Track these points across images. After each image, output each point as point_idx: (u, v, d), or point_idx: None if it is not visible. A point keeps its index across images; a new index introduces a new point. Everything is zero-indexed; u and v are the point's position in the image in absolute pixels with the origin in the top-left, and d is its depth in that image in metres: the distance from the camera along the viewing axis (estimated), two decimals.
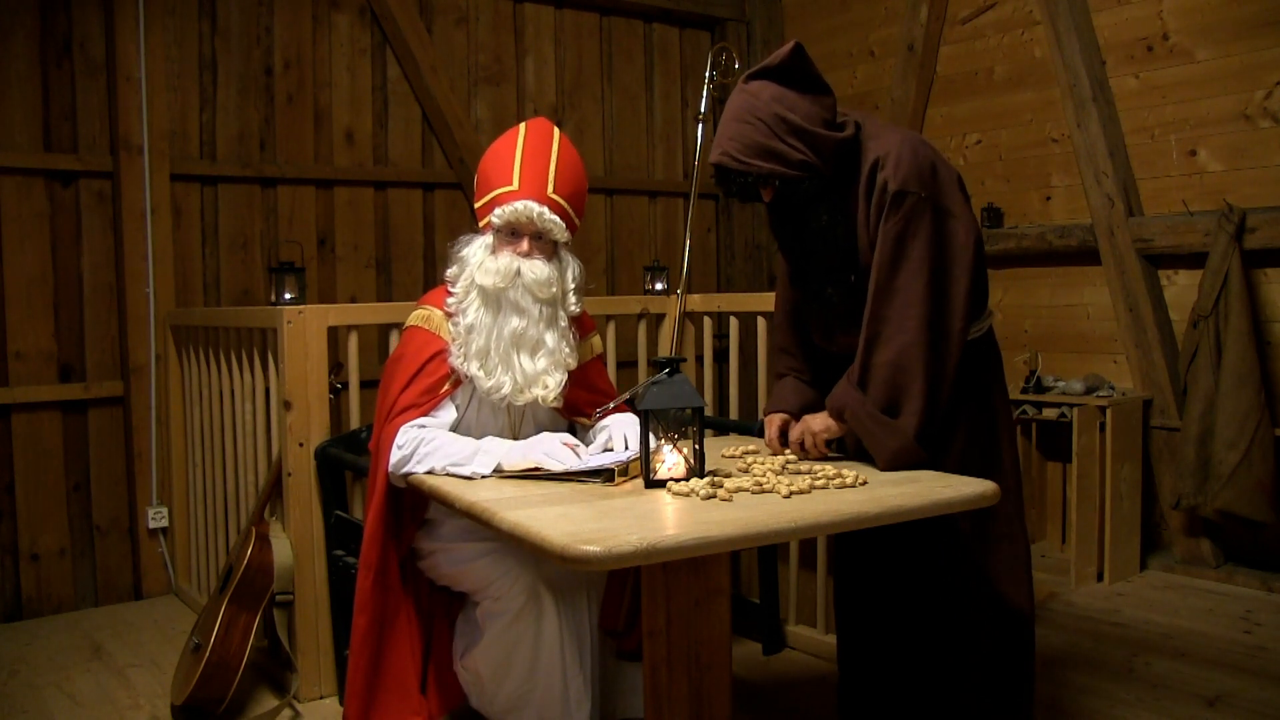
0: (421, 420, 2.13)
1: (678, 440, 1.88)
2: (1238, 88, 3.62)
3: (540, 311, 2.18)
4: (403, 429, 2.10)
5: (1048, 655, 2.93)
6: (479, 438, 2.19)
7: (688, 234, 3.46)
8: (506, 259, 2.17)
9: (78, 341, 3.64)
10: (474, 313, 2.17)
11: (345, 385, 2.91)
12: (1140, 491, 3.82)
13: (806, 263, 2.13)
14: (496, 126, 4.38)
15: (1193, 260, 3.75)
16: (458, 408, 2.21)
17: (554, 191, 2.19)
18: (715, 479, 1.82)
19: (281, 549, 2.73)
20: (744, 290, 5.12)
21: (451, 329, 2.20)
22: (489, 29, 4.53)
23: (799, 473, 1.93)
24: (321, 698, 2.77)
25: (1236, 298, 3.46)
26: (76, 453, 3.63)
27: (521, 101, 4.63)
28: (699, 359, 3.60)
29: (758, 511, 1.64)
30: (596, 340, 2.42)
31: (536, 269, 2.17)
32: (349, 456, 2.67)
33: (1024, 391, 3.91)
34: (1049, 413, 3.83)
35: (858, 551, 2.27)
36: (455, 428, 2.20)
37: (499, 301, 2.17)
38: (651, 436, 1.87)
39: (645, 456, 1.87)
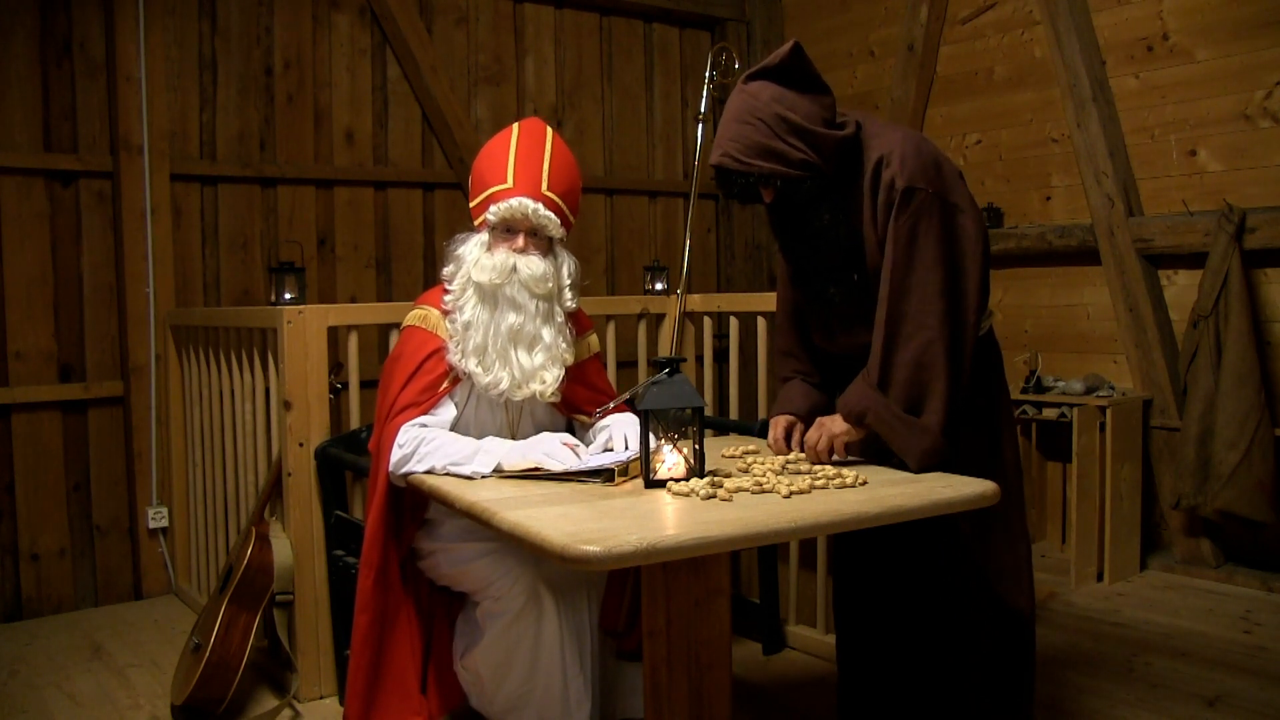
0: (422, 419, 2.13)
1: (678, 440, 1.87)
2: (1238, 88, 3.62)
3: (537, 307, 2.19)
4: (404, 428, 2.10)
5: (1048, 655, 2.93)
6: (478, 435, 2.20)
7: (688, 234, 3.46)
8: (502, 255, 2.18)
9: (78, 341, 3.64)
10: (471, 309, 2.18)
11: (345, 385, 2.91)
12: (1140, 491, 3.82)
13: (808, 263, 2.13)
14: (496, 126, 4.37)
15: (1193, 260, 3.75)
16: (457, 405, 2.21)
17: (548, 188, 2.20)
18: (715, 479, 1.82)
19: (281, 549, 2.73)
20: (744, 290, 5.12)
21: (449, 327, 2.20)
22: (489, 29, 4.53)
23: (799, 473, 1.93)
24: (321, 698, 2.77)
25: (1236, 298, 3.46)
26: (76, 453, 3.64)
27: (521, 101, 4.63)
28: (699, 359, 3.60)
29: (758, 511, 1.64)
30: (594, 339, 2.42)
31: (532, 265, 2.18)
32: (349, 456, 2.67)
33: (1024, 391, 3.91)
34: (1049, 413, 3.83)
35: (857, 551, 2.27)
36: (454, 425, 2.20)
37: (495, 298, 2.18)
38: (651, 436, 1.87)
39: (645, 456, 1.87)
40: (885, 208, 1.99)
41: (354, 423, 2.93)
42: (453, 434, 2.13)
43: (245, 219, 3.96)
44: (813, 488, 1.80)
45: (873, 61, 4.85)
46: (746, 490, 1.79)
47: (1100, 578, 3.72)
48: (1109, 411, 3.66)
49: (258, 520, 2.80)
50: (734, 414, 3.47)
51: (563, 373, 2.23)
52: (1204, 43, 3.70)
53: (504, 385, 2.16)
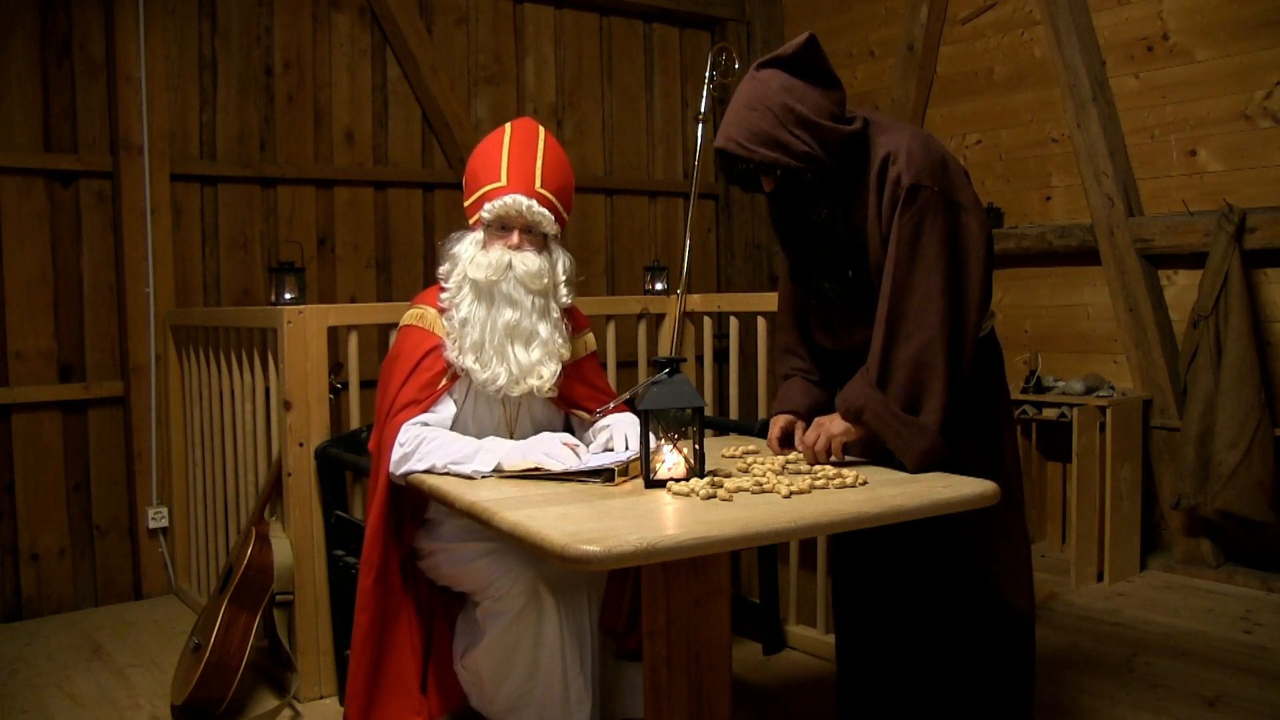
0: (423, 417, 2.14)
1: (678, 440, 1.88)
2: (1238, 88, 3.62)
3: (533, 303, 2.20)
4: (405, 426, 2.11)
5: (1048, 655, 2.93)
6: (476, 431, 2.21)
7: (688, 234, 3.46)
8: (498, 252, 2.19)
9: (78, 341, 3.64)
10: (467, 307, 2.19)
11: (345, 385, 2.91)
12: (1140, 491, 3.82)
13: (806, 257, 2.13)
14: (496, 126, 4.35)
15: (1193, 260, 3.75)
16: (456, 402, 2.22)
17: (541, 186, 2.21)
18: (715, 479, 1.82)
19: (281, 549, 2.73)
20: (744, 290, 5.11)
21: (445, 324, 2.21)
22: (489, 29, 4.53)
23: (799, 473, 1.93)
24: (321, 698, 2.77)
25: (1236, 298, 3.46)
26: (76, 453, 3.64)
27: (521, 101, 4.63)
28: (699, 359, 3.60)
29: (758, 511, 1.64)
30: (590, 338, 2.43)
31: (528, 261, 2.19)
32: (349, 456, 2.67)
33: (1024, 391, 3.91)
34: (1049, 413, 3.83)
35: (857, 551, 2.27)
36: (453, 422, 2.21)
37: (492, 294, 2.19)
38: (651, 436, 1.87)
39: (645, 456, 1.87)
40: (890, 204, 1.98)
41: (354, 423, 2.93)
42: (454, 433, 2.14)
43: (245, 219, 3.96)
44: (813, 488, 1.80)
45: (873, 61, 4.85)
46: (746, 490, 1.79)
47: (1100, 578, 3.72)
48: (1109, 411, 3.66)
49: (258, 520, 2.80)
50: (734, 414, 3.47)
51: (559, 368, 2.23)
52: (1204, 43, 3.70)
53: (501, 381, 2.17)
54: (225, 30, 3.90)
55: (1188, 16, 3.73)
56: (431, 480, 2.00)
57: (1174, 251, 3.78)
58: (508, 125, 2.29)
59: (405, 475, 2.08)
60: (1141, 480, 3.82)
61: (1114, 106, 3.93)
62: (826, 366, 2.26)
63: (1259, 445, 3.42)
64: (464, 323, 2.18)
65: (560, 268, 2.27)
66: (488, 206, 2.20)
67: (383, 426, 2.16)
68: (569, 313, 2.33)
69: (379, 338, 3.11)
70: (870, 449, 2.05)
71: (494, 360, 2.17)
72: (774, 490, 1.78)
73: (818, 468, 1.95)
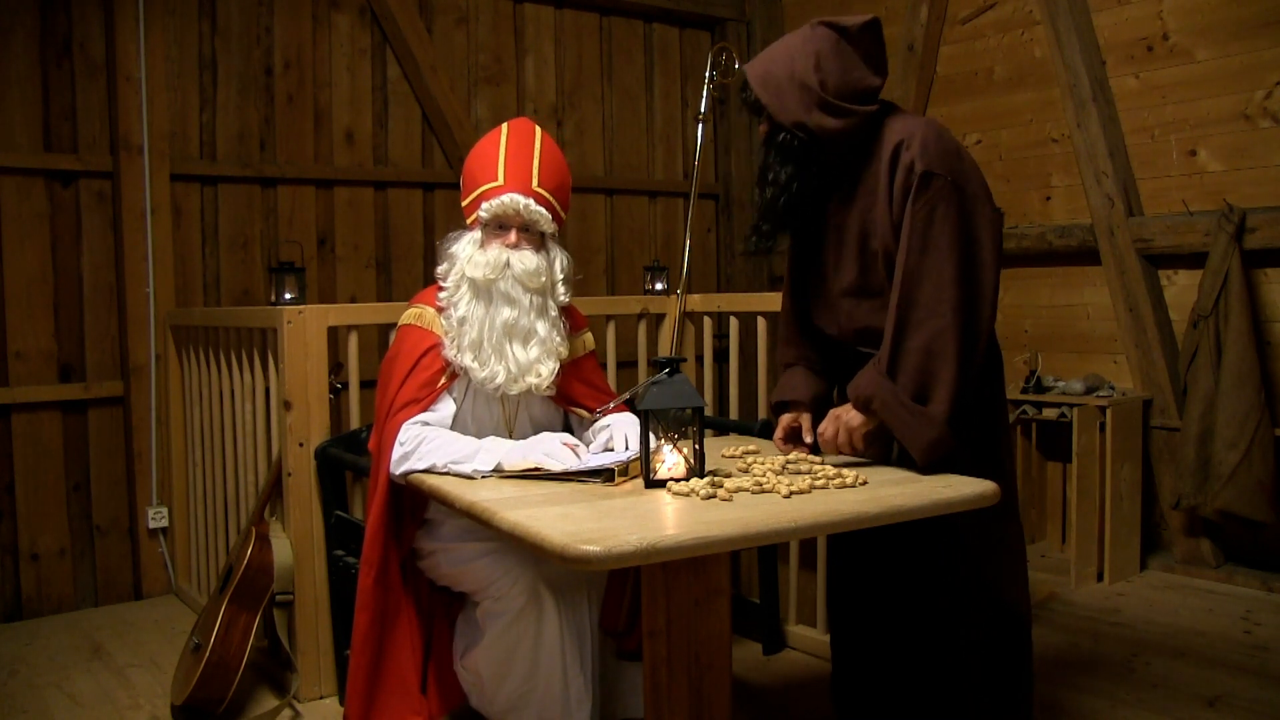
0: (423, 416, 2.14)
1: (678, 440, 1.88)
2: (1238, 88, 3.62)
3: (531, 301, 2.21)
4: (405, 426, 2.11)
5: (1048, 655, 2.94)
6: (476, 430, 2.22)
7: (688, 234, 3.46)
8: (495, 251, 2.19)
9: (78, 341, 3.64)
10: (465, 305, 2.19)
11: (345, 385, 2.91)
12: (1140, 491, 3.82)
13: (802, 228, 2.16)
14: (496, 126, 4.38)
15: (1193, 260, 3.75)
16: (455, 400, 2.22)
17: (538, 184, 2.22)
18: (715, 479, 1.82)
19: (281, 549, 2.73)
20: (744, 290, 5.11)
21: (444, 323, 2.22)
22: (489, 29, 4.53)
23: (799, 473, 1.93)
24: (321, 698, 2.77)
25: (1236, 298, 3.46)
26: (76, 453, 3.64)
27: (521, 101, 4.63)
28: (699, 359, 3.60)
29: (758, 511, 1.64)
30: (589, 337, 2.43)
31: (525, 259, 2.20)
32: (349, 456, 2.67)
33: (1024, 391, 3.91)
34: (1049, 413, 3.83)
35: (854, 550, 2.27)
36: (453, 421, 2.21)
37: (490, 293, 2.19)
38: (651, 436, 1.87)
39: (645, 456, 1.87)
40: (902, 190, 1.97)
41: (354, 423, 2.93)
42: (454, 433, 2.14)
43: (245, 219, 3.96)
44: (813, 488, 1.80)
45: None
46: (746, 490, 1.79)
47: (1100, 578, 3.71)
48: (1109, 411, 3.66)
49: (258, 520, 2.80)
50: (734, 414, 3.47)
51: (557, 366, 2.24)
52: (1204, 43, 3.70)
53: (500, 379, 2.18)
54: (225, 30, 3.90)
55: (1188, 16, 3.73)
56: (431, 480, 2.00)
57: (1174, 251, 3.77)
58: (504, 125, 2.30)
59: (405, 475, 2.08)
60: (1141, 480, 3.82)
61: (1114, 106, 3.93)
62: (828, 356, 2.25)
63: (1259, 445, 3.42)
64: (462, 321, 2.19)
65: (558, 266, 2.28)
66: (485, 206, 2.20)
67: (382, 426, 2.17)
68: (567, 311, 2.33)
69: (379, 338, 3.11)
70: (887, 439, 2.03)
71: (492, 359, 2.18)
72: (774, 490, 1.78)
73: (818, 468, 1.95)
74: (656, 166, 5.06)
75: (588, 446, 2.24)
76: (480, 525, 1.73)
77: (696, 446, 1.88)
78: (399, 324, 2.32)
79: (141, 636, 3.31)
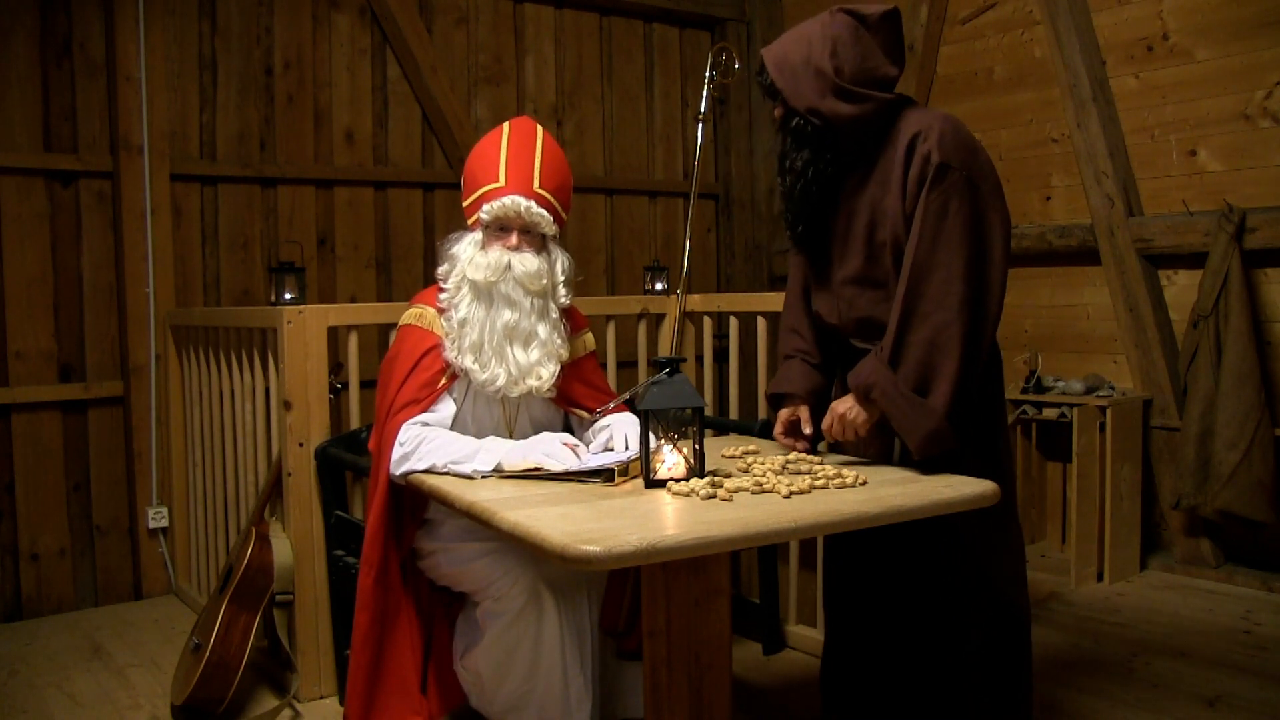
0: (423, 417, 2.14)
1: (678, 440, 1.88)
2: (1238, 88, 3.62)
3: (532, 303, 2.21)
4: (405, 426, 2.11)
5: (1048, 655, 2.94)
6: (475, 431, 2.22)
7: (688, 234, 3.46)
8: (496, 253, 2.19)
9: (78, 341, 3.64)
10: (466, 307, 2.19)
11: (345, 385, 2.91)
12: (1140, 491, 3.82)
13: (806, 213, 2.15)
14: (496, 126, 4.38)
15: (1193, 260, 3.75)
16: (455, 401, 2.22)
17: (540, 186, 2.21)
18: (715, 479, 1.82)
19: (281, 549, 2.73)
20: (744, 290, 5.11)
21: (444, 325, 2.22)
22: (489, 29, 4.53)
23: (799, 473, 1.93)
24: (321, 698, 2.77)
25: (1236, 298, 3.46)
26: (76, 453, 3.63)
27: (521, 101, 4.63)
28: (699, 359, 3.60)
29: (758, 511, 1.64)
30: (589, 337, 2.43)
31: (526, 262, 2.19)
32: (349, 456, 2.67)
33: (1024, 391, 3.91)
34: (1049, 413, 3.83)
35: (852, 549, 2.27)
36: (453, 421, 2.21)
37: (490, 295, 2.19)
38: (651, 436, 1.87)
39: (645, 456, 1.87)
40: (917, 181, 1.96)
41: (354, 423, 2.93)
42: (454, 433, 2.14)
43: (245, 219, 3.96)
44: (813, 488, 1.80)
45: None
46: (746, 490, 1.79)
47: (1100, 578, 3.71)
48: (1109, 411, 3.66)
49: (258, 520, 2.80)
50: (734, 414, 3.47)
51: (558, 368, 2.24)
52: (1204, 43, 3.70)
53: (500, 382, 2.18)
54: (225, 30, 3.90)
55: (1188, 16, 3.73)
56: (431, 480, 2.00)
57: (1174, 251, 3.78)
58: (505, 125, 2.29)
59: (405, 475, 2.08)
60: (1141, 480, 3.82)
61: (1114, 106, 3.93)
62: (828, 349, 2.25)
63: (1259, 445, 3.42)
64: (463, 323, 2.19)
65: (559, 268, 2.27)
66: (486, 207, 2.20)
67: (382, 426, 2.17)
68: (567, 313, 2.33)
69: (379, 338, 3.11)
70: (888, 435, 2.03)
71: (493, 361, 2.17)
72: (774, 490, 1.78)
73: (818, 468, 1.95)
74: (656, 166, 5.06)
75: (588, 446, 2.24)
76: (480, 525, 1.73)
77: (696, 446, 1.88)
78: (399, 324, 2.31)
79: (141, 636, 3.31)
